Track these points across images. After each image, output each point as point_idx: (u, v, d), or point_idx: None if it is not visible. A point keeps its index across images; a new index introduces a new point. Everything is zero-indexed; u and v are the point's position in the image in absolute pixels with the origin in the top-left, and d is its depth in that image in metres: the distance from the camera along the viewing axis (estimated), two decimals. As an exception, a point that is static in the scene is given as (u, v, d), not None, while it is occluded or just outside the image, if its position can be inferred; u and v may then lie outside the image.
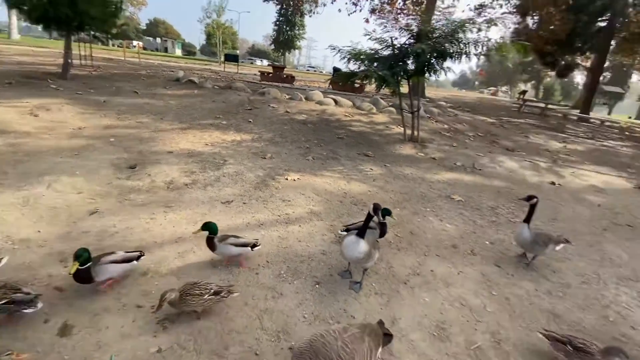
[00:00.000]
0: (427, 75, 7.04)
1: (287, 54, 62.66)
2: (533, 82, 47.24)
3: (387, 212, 2.90)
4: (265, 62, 54.53)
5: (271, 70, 16.03)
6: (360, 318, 2.22)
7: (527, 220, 2.96)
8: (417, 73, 6.83)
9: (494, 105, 19.28)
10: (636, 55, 20.44)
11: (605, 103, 38.75)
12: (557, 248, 3.05)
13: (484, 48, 6.45)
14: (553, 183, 5.81)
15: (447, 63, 6.54)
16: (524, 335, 2.25)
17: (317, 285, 2.46)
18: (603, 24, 18.90)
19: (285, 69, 17.51)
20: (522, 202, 4.53)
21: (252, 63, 53.71)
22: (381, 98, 11.35)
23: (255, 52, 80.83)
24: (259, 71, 16.30)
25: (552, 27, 18.21)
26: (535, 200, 2.98)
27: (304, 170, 4.87)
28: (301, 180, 4.48)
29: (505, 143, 8.63)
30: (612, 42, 19.53)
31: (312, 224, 3.36)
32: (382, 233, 2.97)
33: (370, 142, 7.01)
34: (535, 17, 19.69)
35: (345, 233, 2.85)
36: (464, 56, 6.37)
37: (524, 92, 23.45)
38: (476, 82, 51.08)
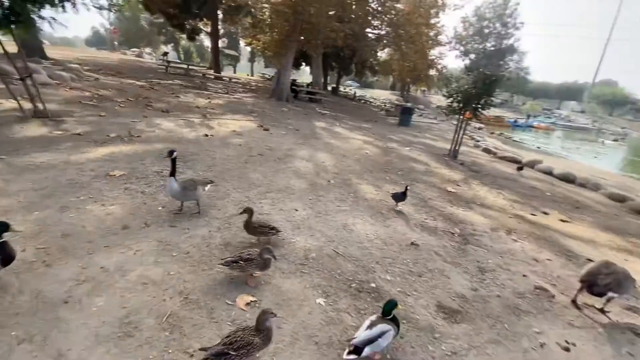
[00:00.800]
0: (18, 26, 5.20)
1: None
2: (172, 44, 49.57)
3: (1, 228, 2.02)
4: None
5: None
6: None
7: (172, 173, 3.11)
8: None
9: (141, 67, 18.53)
10: (237, 24, 26.53)
11: (230, 64, 48.85)
12: (206, 189, 3.54)
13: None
14: (206, 135, 6.65)
15: (47, 12, 5.13)
16: (206, 276, 2.50)
17: None
18: (208, -6, 22.35)
19: None
20: (184, 158, 4.85)
21: None
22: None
23: None
24: None
25: (168, -11, 19.16)
26: (175, 154, 3.13)
27: None
28: None
29: (159, 105, 8.66)
30: (219, 12, 23.86)
31: None
32: (7, 258, 2.06)
33: (-48, 129, 4.48)
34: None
35: None
36: (70, 5, 5.22)
37: (166, 54, 24.23)
38: (116, 43, 45.87)
